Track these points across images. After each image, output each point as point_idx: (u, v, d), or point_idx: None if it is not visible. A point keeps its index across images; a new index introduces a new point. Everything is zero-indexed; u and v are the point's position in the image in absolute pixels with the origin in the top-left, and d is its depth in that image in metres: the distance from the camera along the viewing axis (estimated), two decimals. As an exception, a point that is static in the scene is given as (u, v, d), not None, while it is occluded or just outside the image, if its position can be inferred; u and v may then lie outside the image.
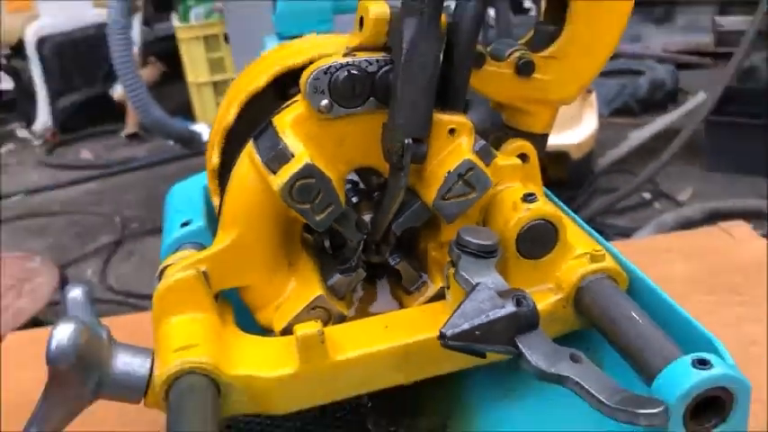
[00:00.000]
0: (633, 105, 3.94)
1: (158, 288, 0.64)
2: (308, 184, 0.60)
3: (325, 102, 0.62)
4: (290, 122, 0.63)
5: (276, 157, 0.61)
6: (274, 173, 0.61)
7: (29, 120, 4.83)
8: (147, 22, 5.00)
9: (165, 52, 4.90)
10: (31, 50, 4.56)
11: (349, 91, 0.61)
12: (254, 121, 0.68)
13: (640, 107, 3.94)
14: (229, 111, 0.70)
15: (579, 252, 0.67)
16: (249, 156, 0.64)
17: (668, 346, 0.55)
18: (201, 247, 0.74)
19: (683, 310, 0.60)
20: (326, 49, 0.68)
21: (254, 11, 2.64)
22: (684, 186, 3.16)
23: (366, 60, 0.62)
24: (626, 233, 2.76)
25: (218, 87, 4.52)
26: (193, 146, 3.72)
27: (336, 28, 0.89)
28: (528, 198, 0.65)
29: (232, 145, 0.70)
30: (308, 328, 0.60)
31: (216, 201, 0.73)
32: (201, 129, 4.02)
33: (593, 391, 0.53)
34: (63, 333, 0.57)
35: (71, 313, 0.64)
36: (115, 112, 4.67)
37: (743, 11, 4.46)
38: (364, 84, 0.62)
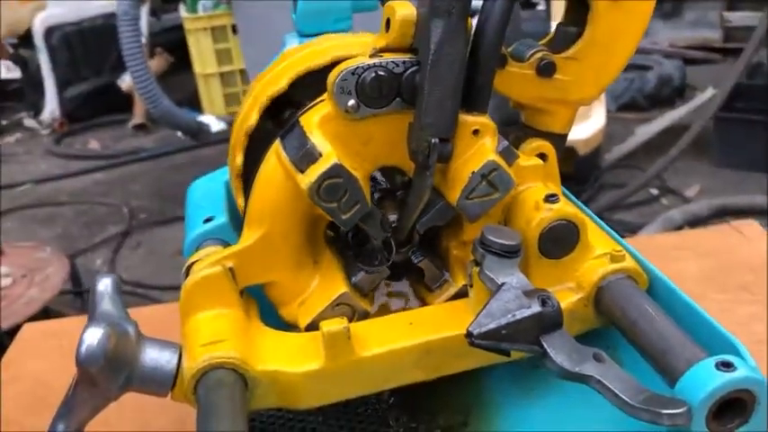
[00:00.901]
0: (641, 100, 3.94)
1: (186, 284, 0.65)
2: (336, 184, 0.61)
3: (352, 102, 0.63)
4: (317, 122, 0.63)
5: (304, 156, 0.62)
6: (302, 172, 0.62)
7: (36, 109, 4.85)
8: (154, 13, 5.00)
9: (172, 43, 4.91)
10: (39, 40, 4.57)
11: (376, 92, 0.62)
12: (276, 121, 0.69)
13: (648, 102, 3.94)
14: (251, 112, 0.70)
15: (599, 252, 0.68)
16: (276, 154, 0.65)
17: (691, 348, 0.56)
18: (224, 243, 0.75)
19: (704, 311, 0.61)
20: (348, 49, 0.69)
21: (264, 1, 2.65)
22: (692, 182, 3.17)
23: (393, 61, 0.63)
24: (633, 229, 2.77)
25: (226, 78, 4.53)
26: (201, 137, 3.73)
27: (355, 26, 0.90)
28: (550, 198, 0.66)
29: (256, 144, 0.71)
30: (334, 324, 0.61)
31: (240, 201, 0.74)
32: (209, 120, 4.03)
33: (617, 391, 0.54)
34: (93, 336, 0.58)
35: (100, 306, 0.65)
36: (123, 103, 4.69)
37: (751, 6, 4.46)
38: (391, 85, 0.63)
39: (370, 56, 0.64)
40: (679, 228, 2.68)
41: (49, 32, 4.61)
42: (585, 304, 0.67)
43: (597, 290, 0.66)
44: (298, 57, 0.70)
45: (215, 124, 4.14)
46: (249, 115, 0.71)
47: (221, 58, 4.47)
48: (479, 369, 0.68)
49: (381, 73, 0.62)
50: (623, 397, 0.53)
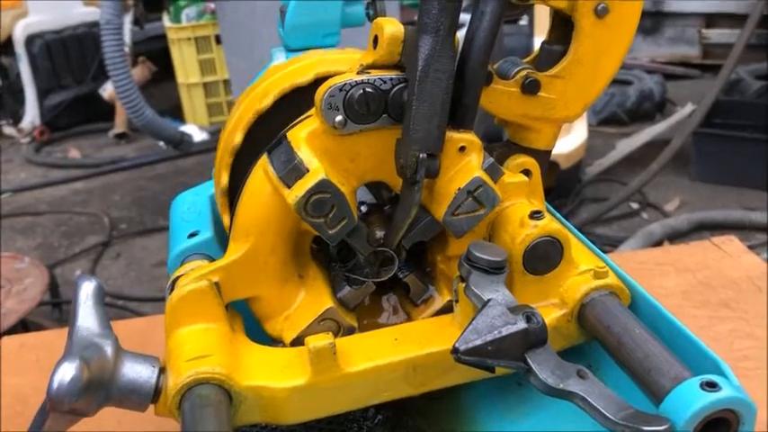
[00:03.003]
0: (621, 115, 3.98)
1: (171, 298, 0.64)
2: (323, 199, 0.62)
3: (339, 118, 0.63)
4: (304, 137, 0.64)
5: (291, 171, 0.62)
6: (289, 187, 0.62)
7: (16, 117, 4.80)
8: (136, 21, 4.98)
9: (154, 52, 4.89)
10: (19, 48, 4.53)
11: (363, 108, 0.63)
12: (262, 138, 0.70)
13: (628, 117, 3.98)
14: (236, 131, 0.71)
15: (583, 268, 0.68)
16: (263, 169, 0.65)
17: (675, 367, 0.56)
18: (209, 258, 0.75)
19: (687, 329, 0.61)
20: (333, 65, 0.70)
21: (249, 10, 2.65)
22: (671, 197, 3.20)
23: (380, 78, 0.63)
24: (614, 242, 2.79)
25: (209, 88, 4.52)
26: (183, 147, 3.71)
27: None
28: (535, 215, 0.67)
29: (241, 162, 0.71)
30: (320, 340, 0.61)
31: (226, 219, 0.74)
32: (191, 130, 4.01)
33: (600, 408, 0.54)
34: (65, 374, 0.56)
35: (79, 318, 0.63)
36: (104, 112, 4.65)
37: (728, 24, 4.53)
38: (378, 101, 0.63)
39: (358, 72, 0.64)
40: (659, 242, 2.71)
41: (30, 40, 4.57)
42: (569, 320, 0.67)
43: (581, 306, 0.67)
44: (282, 74, 0.70)
45: (197, 134, 4.12)
46: (234, 134, 0.71)
47: (205, 68, 4.46)
48: (465, 386, 0.68)
49: (369, 90, 0.62)
50: (606, 413, 0.54)
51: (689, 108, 3.44)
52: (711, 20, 4.58)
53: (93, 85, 4.77)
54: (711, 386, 0.52)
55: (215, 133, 4.36)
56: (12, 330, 2.07)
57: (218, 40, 4.29)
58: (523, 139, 0.77)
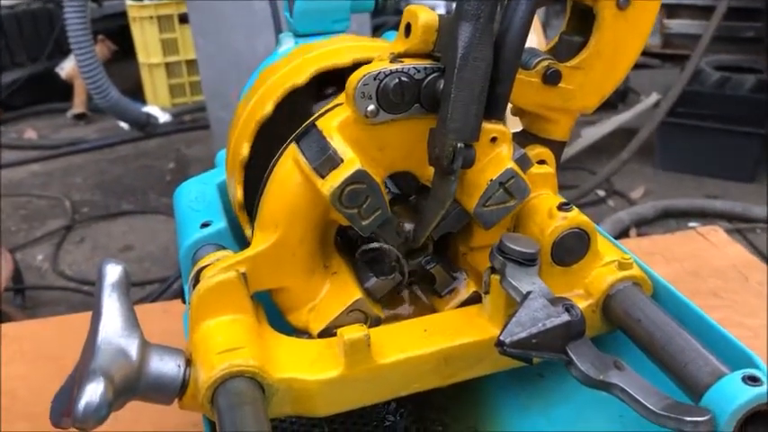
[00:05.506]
0: (586, 103, 4.01)
1: (198, 289, 0.63)
2: (358, 190, 0.61)
3: (371, 107, 0.62)
4: (336, 126, 0.62)
5: (326, 161, 0.61)
6: (323, 177, 0.61)
7: (-33, 96, 4.62)
8: (95, -1, 4.85)
9: (111, 30, 4.76)
10: (-29, 23, 4.36)
11: (398, 97, 0.62)
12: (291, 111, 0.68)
13: (593, 105, 4.02)
14: (266, 102, 0.69)
15: (608, 260, 0.69)
16: (293, 158, 0.64)
17: (712, 361, 0.57)
18: (222, 248, 0.73)
19: (716, 323, 0.62)
20: (363, 52, 0.69)
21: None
22: (636, 185, 3.26)
23: (414, 67, 0.62)
24: (582, 229, 2.83)
25: (171, 69, 4.43)
26: (149, 129, 3.62)
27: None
28: (564, 207, 0.67)
29: (267, 134, 0.69)
30: (355, 331, 0.61)
31: (239, 192, 0.71)
32: (154, 111, 3.92)
33: (640, 398, 0.55)
34: (91, 398, 0.54)
35: (104, 310, 0.61)
36: (61, 91, 4.52)
37: (689, 15, 4.62)
38: (412, 91, 0.62)
39: (391, 61, 0.63)
40: (627, 228, 2.76)
41: (-18, 16, 4.41)
42: (594, 310, 0.68)
43: (605, 297, 0.67)
44: (321, 52, 0.68)
45: (161, 116, 4.03)
46: (263, 106, 0.68)
47: (167, 48, 4.36)
48: (485, 378, 0.68)
49: (404, 79, 0.62)
50: (647, 404, 0.55)
51: (654, 97, 3.49)
52: (673, 10, 4.65)
53: (48, 64, 4.62)
54: (754, 380, 0.53)
55: (178, 115, 4.27)
56: (-23, 317, 2.01)
57: (181, 19, 4.20)
58: (540, 129, 0.77)
